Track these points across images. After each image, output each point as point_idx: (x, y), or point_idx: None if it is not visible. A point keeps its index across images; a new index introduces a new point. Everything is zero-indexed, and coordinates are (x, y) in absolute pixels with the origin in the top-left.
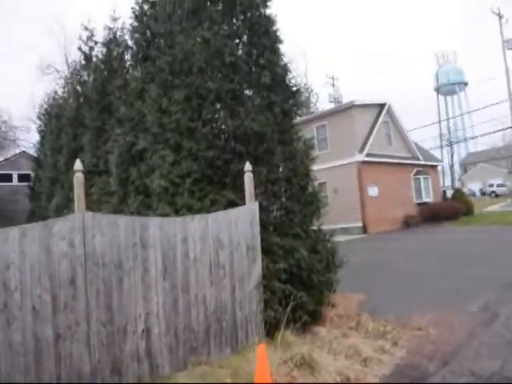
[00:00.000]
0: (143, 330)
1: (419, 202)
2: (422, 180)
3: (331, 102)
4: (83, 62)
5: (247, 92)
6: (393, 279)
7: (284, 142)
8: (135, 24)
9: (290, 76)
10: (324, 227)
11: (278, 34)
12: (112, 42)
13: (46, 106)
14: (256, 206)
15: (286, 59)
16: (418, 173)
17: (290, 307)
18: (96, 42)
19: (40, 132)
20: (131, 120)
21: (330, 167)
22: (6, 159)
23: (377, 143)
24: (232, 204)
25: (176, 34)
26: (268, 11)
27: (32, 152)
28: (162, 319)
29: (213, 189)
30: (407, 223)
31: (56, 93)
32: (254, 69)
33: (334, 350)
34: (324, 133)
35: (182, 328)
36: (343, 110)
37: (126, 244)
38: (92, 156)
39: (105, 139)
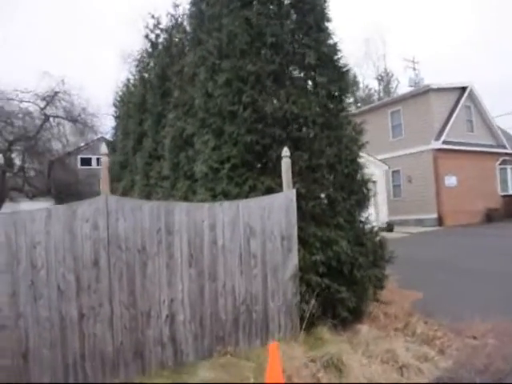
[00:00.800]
0: (167, 316)
1: (505, 194)
2: (509, 170)
3: (411, 86)
4: (149, 50)
5: (291, 73)
6: (460, 278)
7: (330, 126)
8: (192, 9)
9: (338, 56)
10: (395, 217)
11: (326, 11)
12: (173, 28)
13: (120, 93)
14: (293, 193)
15: (335, 38)
16: (504, 162)
17: (327, 302)
18: (162, 30)
19: (115, 118)
20: (183, 105)
21: (404, 155)
22: (87, 144)
23: (456, 130)
24: (271, 191)
25: (223, 17)
26: None
27: (109, 137)
28: (188, 306)
29: (252, 175)
30: (489, 217)
31: (129, 80)
32: (298, 49)
33: (371, 352)
34: (399, 119)
35: (208, 316)
36: (419, 94)
37: (151, 229)
38: (152, 141)
39: (163, 124)
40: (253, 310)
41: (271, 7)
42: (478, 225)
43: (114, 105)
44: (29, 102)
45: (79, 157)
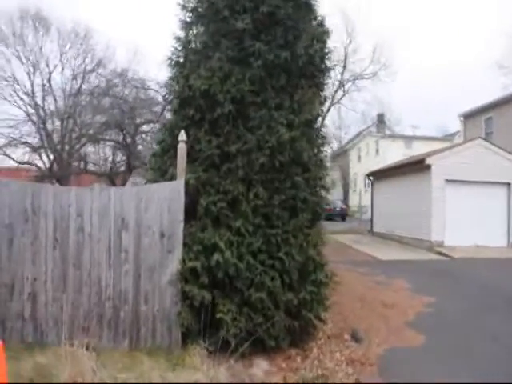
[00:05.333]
0: (29, 294)
1: None
2: None
3: None
4: None
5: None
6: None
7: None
8: None
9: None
10: None
11: None
12: None
13: None
14: (180, 184)
15: None
16: None
17: (213, 320)
18: None
19: None
20: None
21: None
22: None
23: None
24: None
25: None
26: None
27: None
28: (50, 289)
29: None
30: None
31: None
32: None
33: None
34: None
35: (70, 303)
36: None
37: (18, 208)
38: None
39: None
40: (121, 309)
41: None
42: None
43: None
44: (153, 89)
45: None
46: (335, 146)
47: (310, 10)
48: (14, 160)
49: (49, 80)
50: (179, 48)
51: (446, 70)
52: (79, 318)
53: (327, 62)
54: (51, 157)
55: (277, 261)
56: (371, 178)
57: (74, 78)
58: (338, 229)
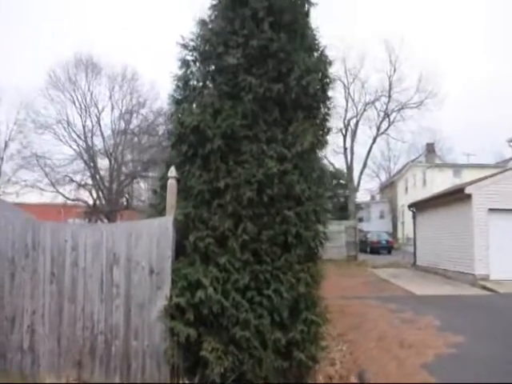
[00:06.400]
0: (28, 326)
1: None
2: None
3: None
4: None
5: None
6: None
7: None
8: None
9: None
10: None
11: None
12: None
13: None
14: (169, 221)
15: None
16: None
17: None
18: None
19: None
20: None
21: None
22: None
23: None
24: None
25: None
26: None
27: None
28: (47, 321)
29: None
30: None
31: None
32: None
33: None
34: None
35: (65, 336)
36: None
37: (20, 243)
38: None
39: None
40: (112, 343)
41: None
42: None
43: None
44: None
45: None
46: (383, 177)
47: (305, 40)
48: (65, 197)
49: (98, 121)
50: (180, 85)
51: (502, 90)
52: (73, 351)
53: (328, 92)
54: (99, 193)
55: (265, 298)
56: (413, 209)
57: (121, 117)
58: (381, 263)
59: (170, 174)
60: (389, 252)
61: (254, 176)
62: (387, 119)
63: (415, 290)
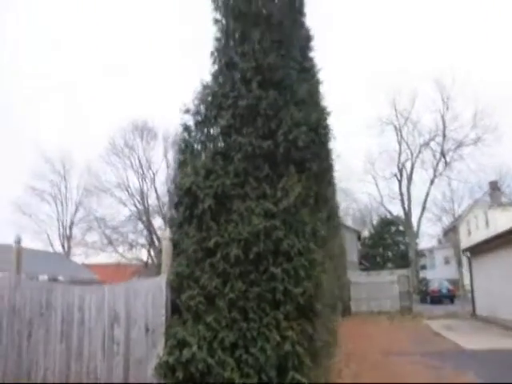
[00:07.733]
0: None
1: None
2: None
3: None
4: None
5: None
6: None
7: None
8: None
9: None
10: None
11: None
12: None
13: None
14: (163, 280)
15: None
16: None
17: None
18: None
19: None
20: None
21: None
22: None
23: None
24: None
25: None
26: None
27: None
28: (57, 379)
29: None
30: None
31: None
32: None
33: None
34: None
35: None
36: None
37: (36, 303)
38: None
39: None
40: None
41: None
42: None
43: None
44: None
45: None
46: (448, 220)
47: (295, 94)
48: (123, 257)
49: (153, 181)
50: (182, 148)
51: None
52: None
53: (326, 143)
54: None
55: (250, 357)
56: (467, 253)
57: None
58: (438, 313)
59: (163, 236)
60: (451, 301)
61: (241, 234)
62: (443, 160)
63: (465, 343)
